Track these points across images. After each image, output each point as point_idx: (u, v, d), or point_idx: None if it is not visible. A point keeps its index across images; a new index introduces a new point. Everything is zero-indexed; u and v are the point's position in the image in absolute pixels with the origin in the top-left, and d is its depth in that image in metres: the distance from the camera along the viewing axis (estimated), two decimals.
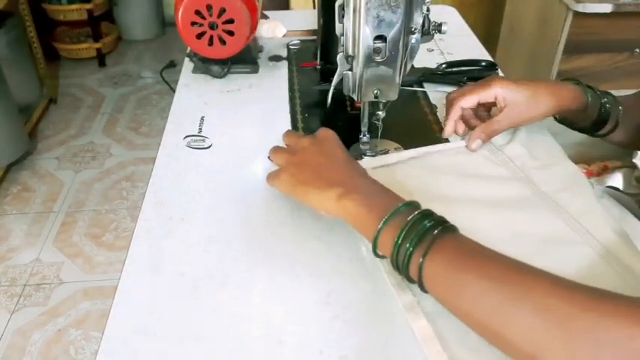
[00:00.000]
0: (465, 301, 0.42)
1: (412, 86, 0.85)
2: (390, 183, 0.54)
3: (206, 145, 0.72)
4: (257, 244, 0.56)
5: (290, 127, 0.76)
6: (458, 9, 1.15)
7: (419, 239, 0.45)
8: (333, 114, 0.78)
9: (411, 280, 0.47)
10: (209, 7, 0.78)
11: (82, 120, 2.25)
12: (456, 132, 0.71)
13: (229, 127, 0.76)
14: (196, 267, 0.54)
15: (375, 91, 0.62)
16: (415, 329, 0.47)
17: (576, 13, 1.32)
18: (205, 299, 0.51)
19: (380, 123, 0.67)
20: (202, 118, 0.77)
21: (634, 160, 0.78)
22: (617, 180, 0.86)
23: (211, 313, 0.49)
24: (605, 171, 1.02)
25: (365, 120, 0.67)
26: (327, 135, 0.60)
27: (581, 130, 0.73)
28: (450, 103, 0.71)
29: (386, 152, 0.69)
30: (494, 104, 0.69)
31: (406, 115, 0.79)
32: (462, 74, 0.86)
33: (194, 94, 0.84)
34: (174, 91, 0.86)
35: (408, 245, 0.45)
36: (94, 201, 1.82)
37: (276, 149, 0.61)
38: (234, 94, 0.84)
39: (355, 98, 0.63)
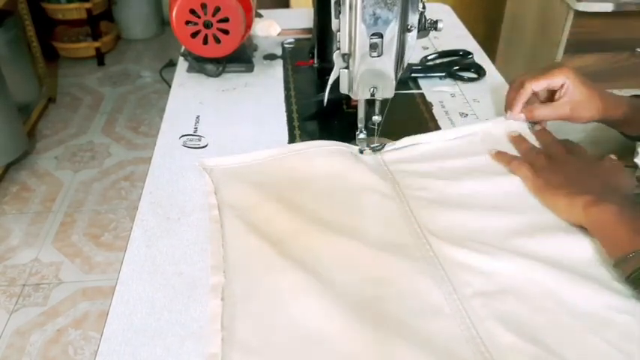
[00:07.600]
0: None
1: (407, 83, 0.85)
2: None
3: (202, 145, 0.72)
4: None
5: (286, 126, 0.75)
6: (458, 8, 1.15)
7: None
8: (330, 112, 0.78)
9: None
10: (204, 6, 0.77)
11: (81, 119, 2.25)
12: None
13: (225, 126, 0.75)
14: (194, 266, 0.54)
15: (371, 89, 0.62)
16: (209, 306, 0.49)
17: (577, 13, 1.31)
18: (204, 299, 0.50)
19: (376, 127, 0.67)
20: (198, 118, 0.77)
21: (635, 160, 0.77)
22: None
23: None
24: None
25: (361, 117, 0.67)
26: (581, 150, 0.64)
27: (627, 137, 0.73)
28: (519, 84, 0.70)
29: (382, 147, 0.69)
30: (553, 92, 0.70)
31: (402, 113, 0.78)
32: (450, 65, 0.88)
33: (189, 93, 0.84)
34: None
35: None
36: (93, 201, 1.82)
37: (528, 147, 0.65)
38: (230, 93, 0.83)
39: (351, 96, 0.63)
